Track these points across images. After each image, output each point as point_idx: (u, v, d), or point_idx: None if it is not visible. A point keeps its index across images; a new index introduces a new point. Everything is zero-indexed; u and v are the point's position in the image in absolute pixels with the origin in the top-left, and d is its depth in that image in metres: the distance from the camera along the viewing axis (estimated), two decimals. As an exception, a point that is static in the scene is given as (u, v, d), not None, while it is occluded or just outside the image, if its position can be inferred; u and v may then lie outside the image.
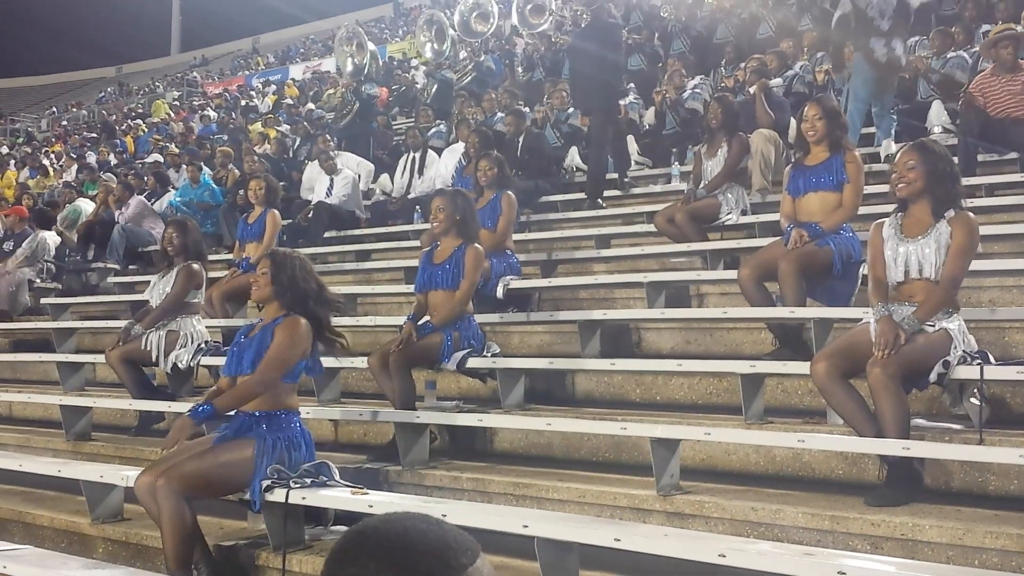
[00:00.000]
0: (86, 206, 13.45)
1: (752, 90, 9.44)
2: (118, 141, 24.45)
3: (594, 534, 3.87)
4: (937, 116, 8.98)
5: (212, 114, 25.12)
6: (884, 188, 4.88)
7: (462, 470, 5.45)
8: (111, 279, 11.56)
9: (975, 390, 4.44)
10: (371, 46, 15.04)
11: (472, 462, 5.66)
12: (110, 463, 6.29)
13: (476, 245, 6.13)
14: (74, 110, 39.47)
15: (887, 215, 4.76)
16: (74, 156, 22.19)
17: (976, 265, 4.84)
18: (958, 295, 4.64)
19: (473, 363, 6.01)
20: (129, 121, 28.96)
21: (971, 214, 4.61)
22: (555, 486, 4.99)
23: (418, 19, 19.73)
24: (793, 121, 8.84)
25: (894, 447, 4.21)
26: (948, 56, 9.52)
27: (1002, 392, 4.86)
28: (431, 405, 6.04)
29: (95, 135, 27.09)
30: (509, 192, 7.44)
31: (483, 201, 7.27)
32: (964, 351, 4.45)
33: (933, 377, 4.42)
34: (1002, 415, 4.79)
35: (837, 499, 4.37)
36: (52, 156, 24.80)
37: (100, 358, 7.77)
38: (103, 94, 43.63)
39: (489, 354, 6.10)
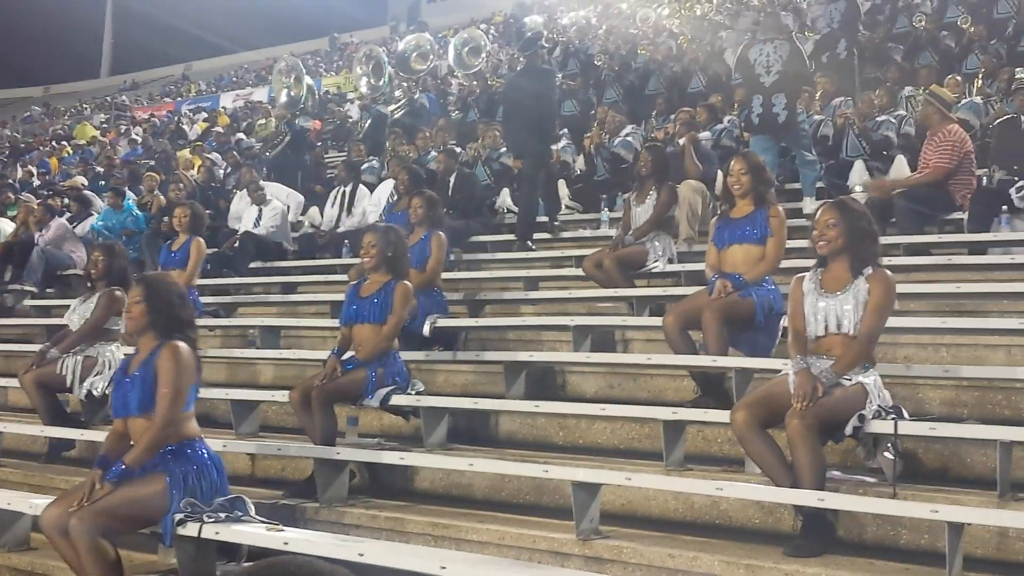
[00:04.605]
0: (5, 226, 13.10)
1: (681, 142, 9.62)
2: (29, 167, 23.74)
3: (512, 577, 3.86)
4: (859, 175, 9.22)
5: (138, 138, 24.72)
6: (806, 243, 5.00)
7: (381, 508, 5.40)
8: (27, 301, 11.25)
9: (889, 444, 4.54)
10: (308, 80, 15.00)
11: (391, 500, 5.60)
12: (18, 490, 6.07)
13: (406, 282, 6.11)
14: (-1, 128, 38.55)
15: (808, 269, 4.87)
16: (-6, 176, 21.59)
17: (893, 322, 4.96)
18: (875, 350, 4.75)
19: (397, 400, 5.96)
20: (54, 143, 28.35)
21: (888, 272, 4.73)
22: (475, 527, 4.96)
23: (356, 53, 19.76)
24: (720, 173, 9.01)
25: (809, 498, 4.28)
26: (880, 119, 9.81)
27: (915, 447, 4.97)
28: (352, 441, 5.97)
29: (3, 158, 26.38)
30: (440, 233, 7.44)
31: (413, 238, 7.26)
32: (879, 405, 4.56)
33: (848, 430, 4.52)
34: (915, 469, 4.90)
35: (753, 548, 4.42)
36: (-29, 175, 24.10)
37: (13, 382, 7.56)
38: (28, 114, 42.70)
39: (413, 392, 6.06)
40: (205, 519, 4.50)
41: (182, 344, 4.65)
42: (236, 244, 11.07)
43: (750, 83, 9.29)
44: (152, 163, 18.49)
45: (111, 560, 4.41)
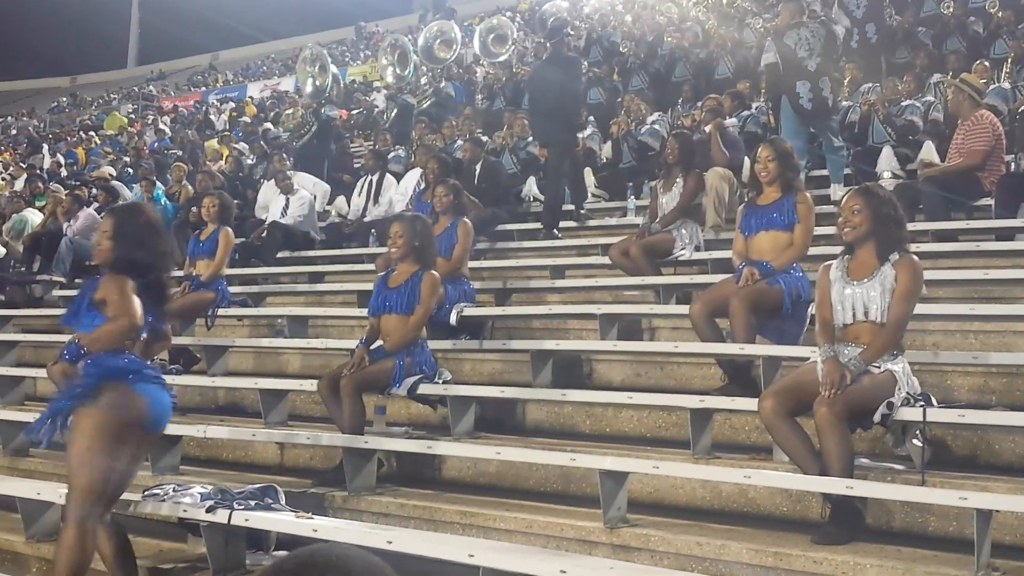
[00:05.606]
0: (33, 217, 13.24)
1: (708, 129, 9.57)
2: (58, 156, 24.00)
3: (539, 565, 3.88)
4: (887, 162, 9.14)
5: (165, 129, 24.88)
6: (833, 230, 4.98)
7: (409, 497, 5.43)
8: (56, 292, 11.37)
9: (918, 431, 4.52)
10: (334, 69, 15.03)
11: (419, 489, 5.64)
12: (47, 480, 6.15)
13: (433, 272, 6.13)
14: (25, 119, 38.88)
15: (836, 256, 4.85)
16: (24, 165, 21.83)
17: (920, 309, 4.93)
18: (903, 337, 4.72)
19: (424, 389, 5.99)
20: (81, 133, 28.58)
21: (915, 258, 4.70)
22: (502, 516, 4.98)
23: (381, 43, 19.76)
24: (747, 160, 8.96)
25: (838, 486, 4.27)
26: (904, 104, 9.73)
27: (943, 434, 4.95)
28: (380, 431, 6.01)
29: (24, 147, 26.62)
30: (466, 220, 7.47)
31: (439, 227, 7.28)
32: (908, 393, 4.53)
33: (877, 418, 4.50)
34: (943, 457, 4.88)
35: (781, 536, 4.42)
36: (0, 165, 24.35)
37: (41, 372, 7.63)
38: (55, 104, 43.07)
39: (441, 381, 6.09)
40: (235, 506, 4.55)
41: (127, 279, 4.23)
42: (264, 234, 11.13)
43: (794, 69, 9.13)
44: (180, 153, 18.63)
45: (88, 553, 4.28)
